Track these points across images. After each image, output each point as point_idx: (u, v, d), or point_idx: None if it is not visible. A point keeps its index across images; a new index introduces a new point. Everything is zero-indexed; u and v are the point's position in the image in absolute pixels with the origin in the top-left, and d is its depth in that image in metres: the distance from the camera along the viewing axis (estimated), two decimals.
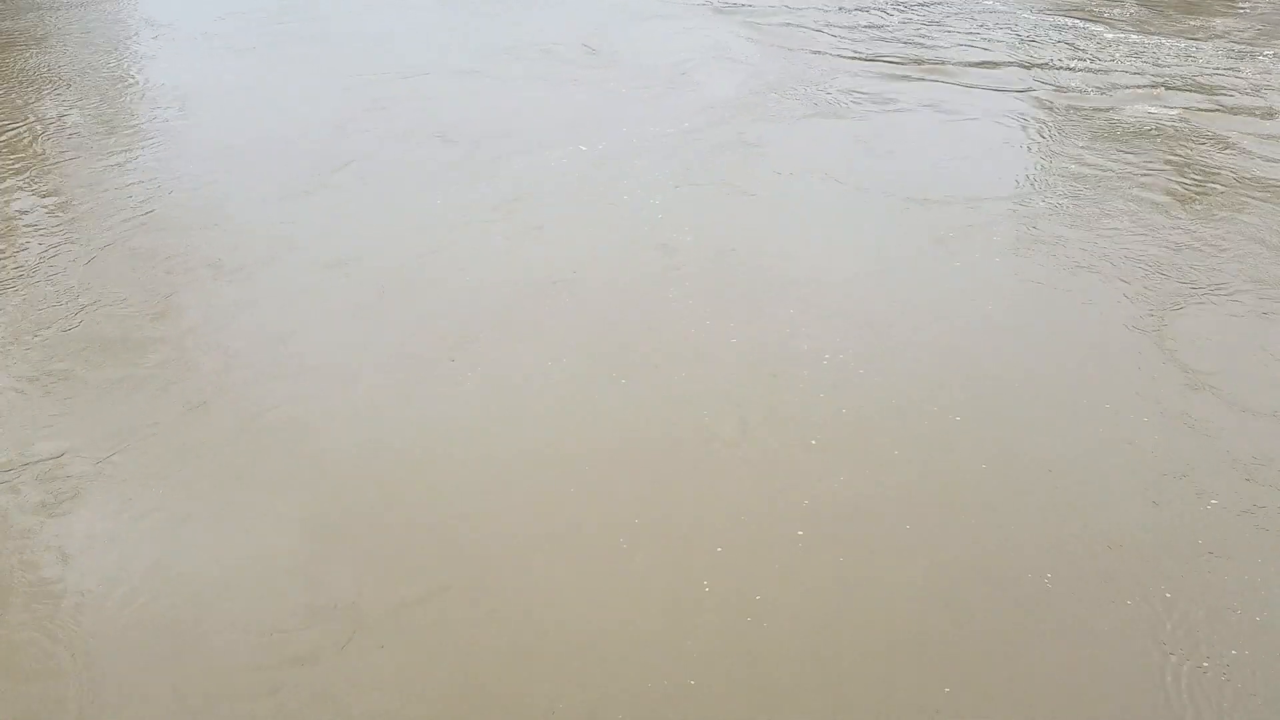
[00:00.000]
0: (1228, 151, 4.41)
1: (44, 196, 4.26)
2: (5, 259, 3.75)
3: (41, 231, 3.93)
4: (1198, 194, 4.03)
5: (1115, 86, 5.24)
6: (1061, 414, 2.78)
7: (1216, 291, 3.37)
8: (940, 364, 2.98)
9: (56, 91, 5.44)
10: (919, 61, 5.62)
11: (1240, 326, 3.18)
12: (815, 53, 5.85)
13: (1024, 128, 4.71)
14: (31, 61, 5.94)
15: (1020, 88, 5.24)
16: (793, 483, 2.52)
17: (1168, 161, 4.33)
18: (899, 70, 5.50)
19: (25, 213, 4.09)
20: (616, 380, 2.92)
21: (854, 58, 5.72)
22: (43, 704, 2.06)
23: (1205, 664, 2.04)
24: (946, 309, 3.27)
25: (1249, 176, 4.16)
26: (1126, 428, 2.71)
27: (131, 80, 5.66)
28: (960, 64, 5.59)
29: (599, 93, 5.25)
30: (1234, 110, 4.88)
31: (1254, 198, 3.99)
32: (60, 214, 4.09)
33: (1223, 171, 4.22)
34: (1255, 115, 4.81)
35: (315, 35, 6.38)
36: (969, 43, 5.97)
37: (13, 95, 5.37)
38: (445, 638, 2.18)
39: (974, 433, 2.70)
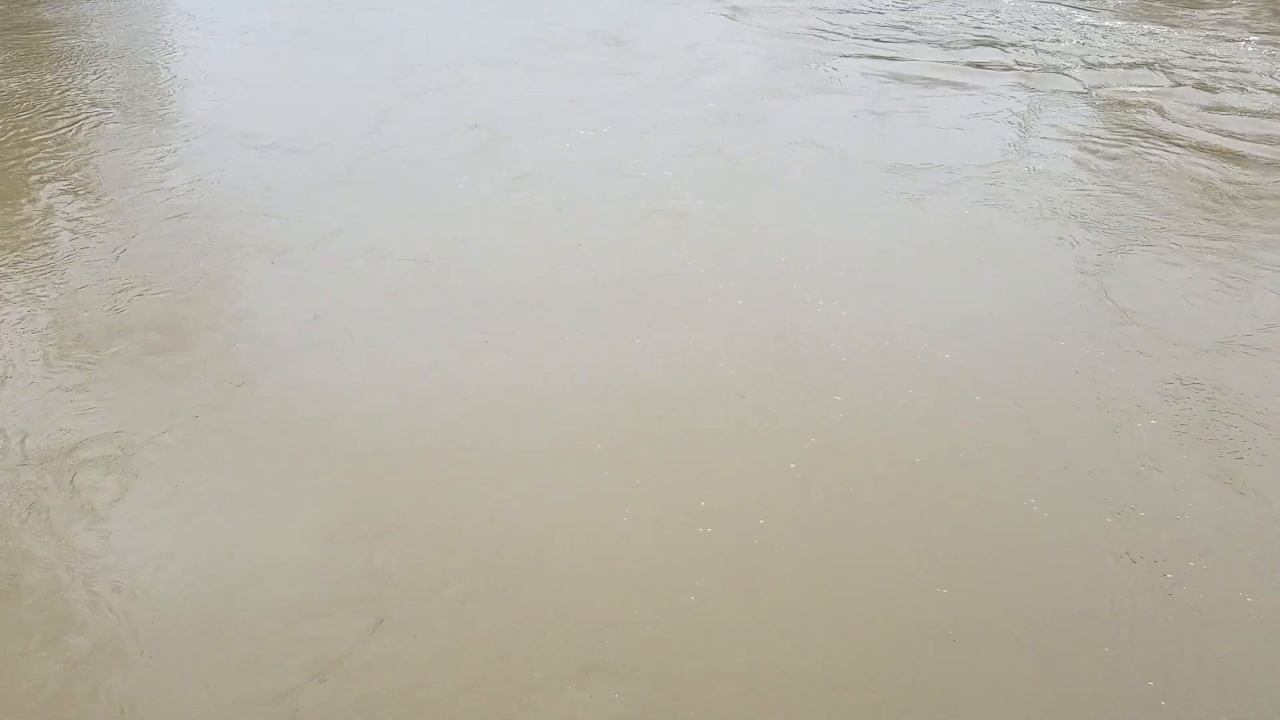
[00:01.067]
0: (1183, 127, 4.79)
1: (82, 186, 4.46)
2: (47, 247, 3.92)
3: (81, 221, 4.12)
4: (1148, 159, 4.41)
5: (1093, 68, 5.60)
6: (1023, 348, 3.15)
7: (1153, 240, 3.77)
8: (917, 307, 3.36)
9: (95, 83, 5.75)
10: (907, 58, 5.97)
11: (1170, 271, 3.58)
12: (819, 37, 6.23)
13: (1004, 106, 5.09)
14: (71, 53, 6.28)
15: (1005, 72, 5.60)
16: (797, 421, 2.87)
17: (1129, 132, 4.73)
18: (893, 64, 5.86)
19: (65, 203, 4.29)
20: (631, 341, 3.25)
21: (853, 55, 6.08)
22: (76, 687, 2.16)
23: (1169, 575, 2.36)
24: (920, 258, 3.66)
25: (1195, 147, 4.56)
26: (1076, 359, 3.08)
27: (169, 72, 5.99)
28: (951, 50, 5.96)
29: (619, 80, 5.63)
30: (1197, 92, 5.24)
31: (1199, 164, 4.38)
32: (99, 203, 4.28)
33: (1176, 144, 4.60)
34: (1212, 101, 5.17)
35: (347, 28, 6.77)
36: (963, 31, 6.33)
37: (52, 87, 5.67)
38: (476, 621, 2.28)
39: (952, 367, 3.07)
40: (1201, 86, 5.30)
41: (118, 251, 3.90)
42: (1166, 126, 4.79)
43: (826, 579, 2.36)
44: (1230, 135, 4.70)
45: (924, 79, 5.51)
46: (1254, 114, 4.94)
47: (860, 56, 5.89)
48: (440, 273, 3.68)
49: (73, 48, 6.46)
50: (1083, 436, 2.77)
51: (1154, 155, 4.48)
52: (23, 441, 2.87)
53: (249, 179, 4.49)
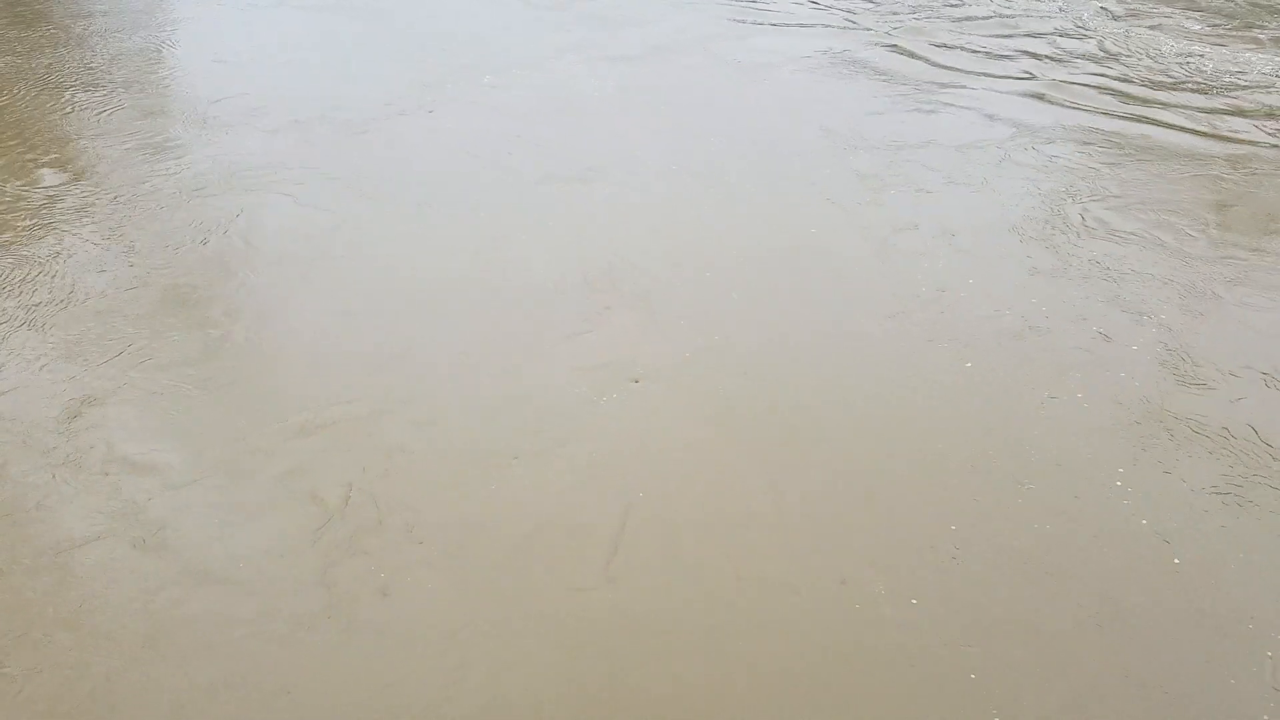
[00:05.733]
0: (934, 40, 7.09)
1: (85, 166, 4.73)
2: (53, 228, 4.17)
3: (86, 201, 4.43)
4: (899, 55, 6.70)
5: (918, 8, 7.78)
6: (804, 146, 5.32)
7: (878, 101, 6.04)
8: (743, 132, 5.52)
9: (98, 63, 6.15)
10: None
11: (893, 118, 5.76)
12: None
13: (830, 39, 7.26)
14: (75, 33, 6.65)
15: (831, 21, 7.74)
16: (674, 217, 4.79)
17: (888, 48, 7.02)
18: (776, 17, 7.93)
19: (68, 183, 4.57)
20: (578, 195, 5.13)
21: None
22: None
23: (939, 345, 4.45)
24: (746, 101, 5.89)
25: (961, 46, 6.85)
26: (830, 189, 5.27)
27: (178, 50, 6.51)
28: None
29: (588, 31, 7.43)
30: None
31: (938, 64, 6.70)
32: (104, 182, 4.60)
33: (923, 51, 6.91)
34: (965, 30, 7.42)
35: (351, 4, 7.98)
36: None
37: (55, 68, 6.02)
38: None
39: (748, 176, 5.16)
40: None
41: (125, 226, 4.21)
42: (914, 46, 7.05)
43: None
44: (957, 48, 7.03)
45: (779, 24, 7.64)
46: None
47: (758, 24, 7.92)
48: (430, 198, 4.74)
49: (77, 27, 6.76)
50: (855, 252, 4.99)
51: (896, 57, 6.73)
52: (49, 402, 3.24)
53: (260, 151, 5.02)
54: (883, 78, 6.40)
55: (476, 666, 2.42)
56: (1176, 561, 2.73)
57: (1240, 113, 5.67)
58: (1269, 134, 5.42)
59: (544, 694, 2.34)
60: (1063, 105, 5.94)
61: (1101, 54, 6.72)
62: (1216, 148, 5.27)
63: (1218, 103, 5.84)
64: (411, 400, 3.30)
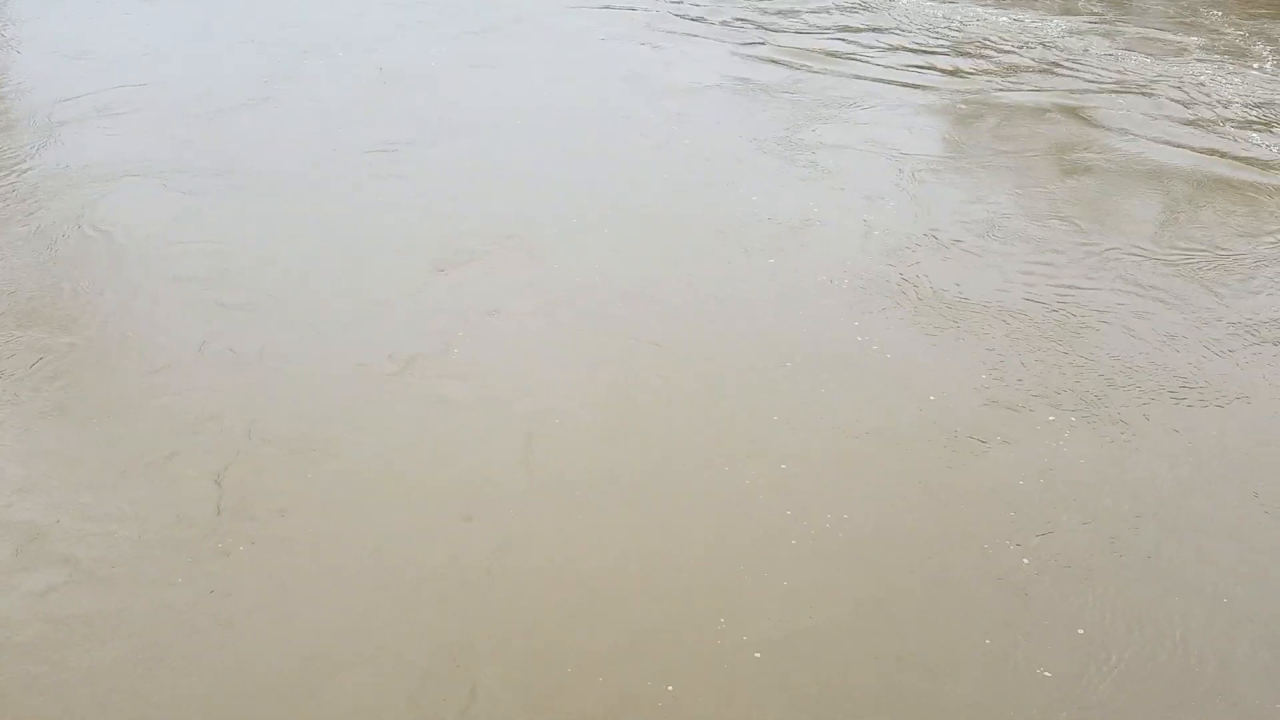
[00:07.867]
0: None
1: None
2: None
3: None
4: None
5: None
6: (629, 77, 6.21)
7: (691, 42, 7.13)
8: (567, 89, 6.42)
9: None
10: None
11: (684, 69, 6.85)
12: None
13: (638, 12, 8.15)
14: None
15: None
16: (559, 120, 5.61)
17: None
18: None
19: None
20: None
21: None
22: None
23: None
24: (603, 46, 6.98)
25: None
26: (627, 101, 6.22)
27: (16, 53, 6.56)
28: None
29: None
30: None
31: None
32: None
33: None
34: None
35: None
36: None
37: None
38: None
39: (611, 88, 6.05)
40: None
41: None
42: (704, 14, 8.08)
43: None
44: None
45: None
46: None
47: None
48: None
49: None
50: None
51: (689, 21, 7.78)
52: None
53: (108, 148, 5.09)
54: (682, 39, 7.39)
55: (371, 624, 2.54)
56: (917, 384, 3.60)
57: (959, 68, 6.90)
58: (985, 81, 6.68)
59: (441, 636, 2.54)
60: (823, 60, 7.02)
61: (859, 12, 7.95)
62: (938, 89, 6.54)
63: (940, 54, 7.06)
64: (279, 384, 3.35)
